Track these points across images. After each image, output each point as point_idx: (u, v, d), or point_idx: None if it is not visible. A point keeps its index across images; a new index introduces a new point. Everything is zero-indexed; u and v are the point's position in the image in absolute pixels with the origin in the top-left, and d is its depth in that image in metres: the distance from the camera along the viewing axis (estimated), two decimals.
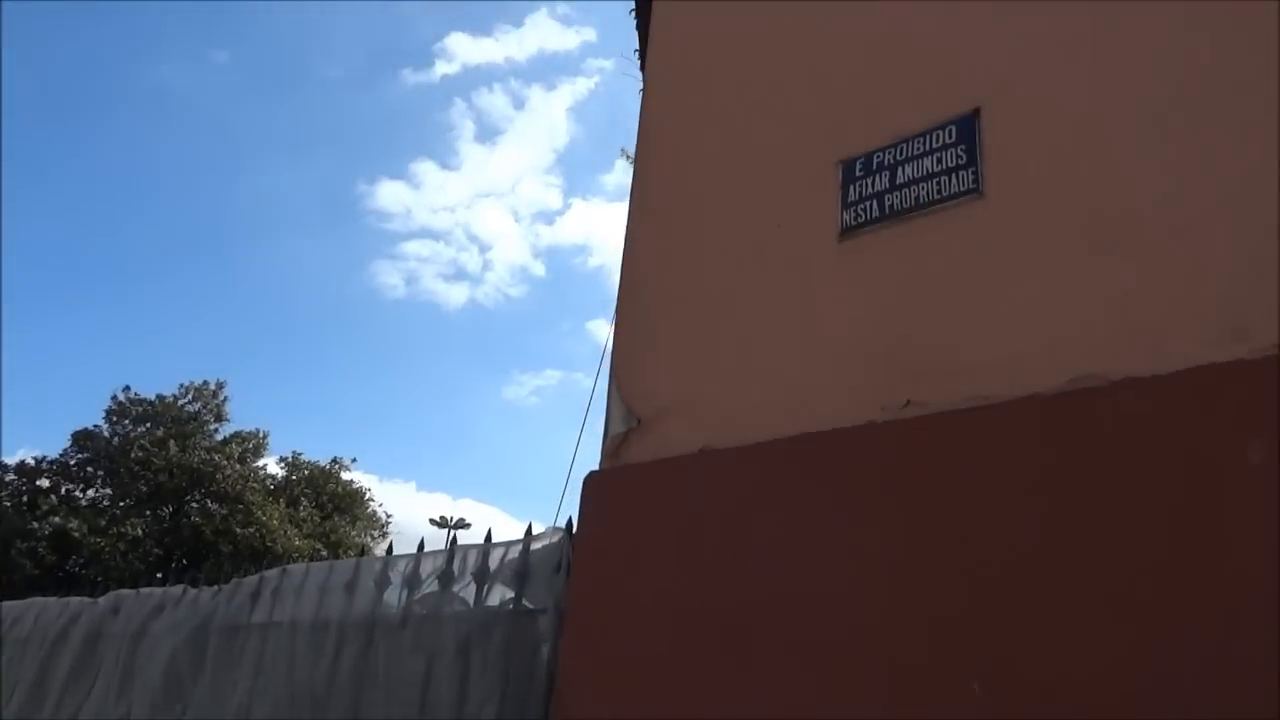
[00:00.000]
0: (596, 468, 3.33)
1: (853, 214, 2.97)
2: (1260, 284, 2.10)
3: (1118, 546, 2.08)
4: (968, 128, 2.79)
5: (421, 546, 3.91)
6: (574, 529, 3.36)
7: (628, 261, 3.71)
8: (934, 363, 2.59)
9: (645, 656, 2.82)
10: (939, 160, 2.81)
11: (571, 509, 3.36)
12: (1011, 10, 2.84)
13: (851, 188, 3.01)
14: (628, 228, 3.80)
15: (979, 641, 2.19)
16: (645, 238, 3.69)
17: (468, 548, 3.74)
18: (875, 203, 2.92)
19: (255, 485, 33.47)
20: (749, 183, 3.38)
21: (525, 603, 3.39)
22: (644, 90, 4.20)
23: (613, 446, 3.31)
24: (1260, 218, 2.14)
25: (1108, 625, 2.02)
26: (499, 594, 3.49)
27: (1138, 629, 1.99)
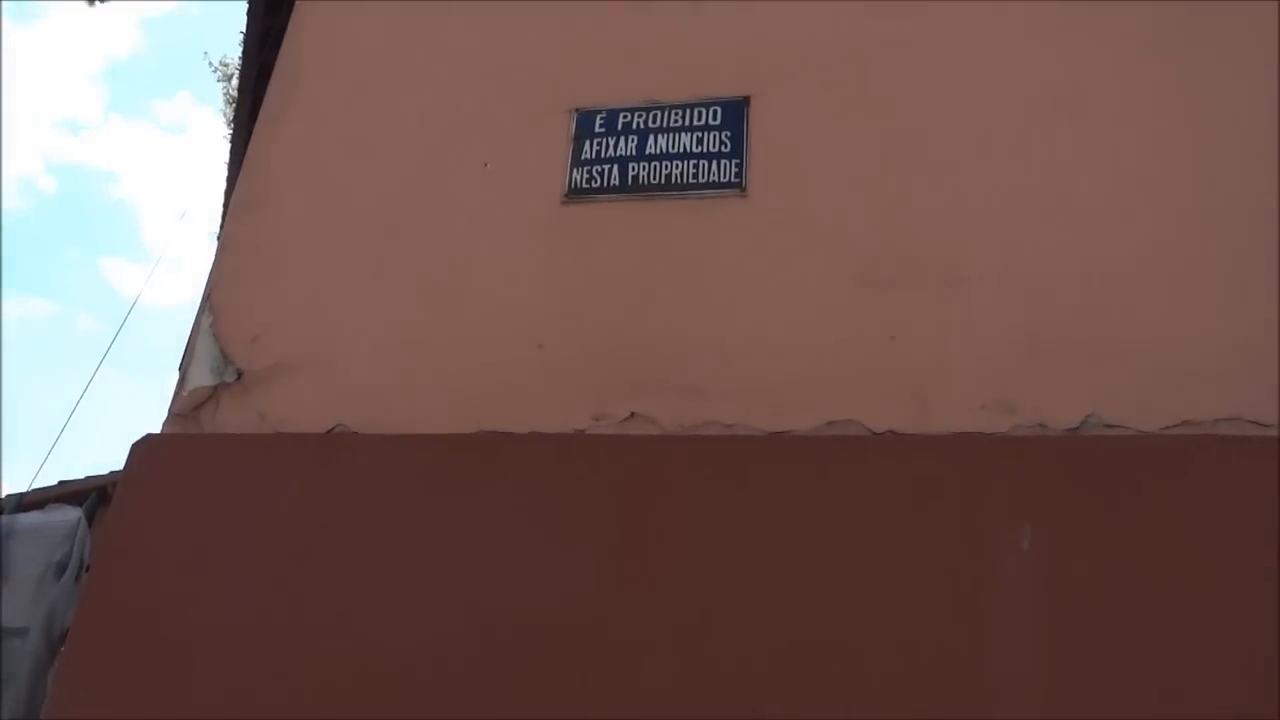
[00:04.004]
0: (158, 430, 2.30)
1: (585, 175, 2.42)
2: (1029, 355, 1.99)
3: (869, 610, 1.78)
4: (735, 115, 2.41)
5: None
6: (96, 514, 2.27)
7: (250, 168, 2.70)
8: (666, 375, 2.13)
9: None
10: (699, 140, 2.39)
11: (53, 475, 2.27)
12: (802, 8, 2.54)
13: (587, 143, 2.46)
14: (259, 126, 2.78)
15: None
16: (281, 142, 2.70)
17: None
18: (616, 168, 2.40)
19: None
20: (444, 105, 2.64)
21: None
22: None
23: (190, 403, 2.30)
24: (1041, 284, 2.05)
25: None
26: None
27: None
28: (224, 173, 6.11)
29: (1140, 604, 1.69)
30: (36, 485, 5.37)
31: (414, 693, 1.85)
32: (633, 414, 2.09)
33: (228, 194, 5.61)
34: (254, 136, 2.76)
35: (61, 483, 5.66)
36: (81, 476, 5.95)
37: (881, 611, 1.77)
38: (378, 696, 1.86)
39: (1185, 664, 1.62)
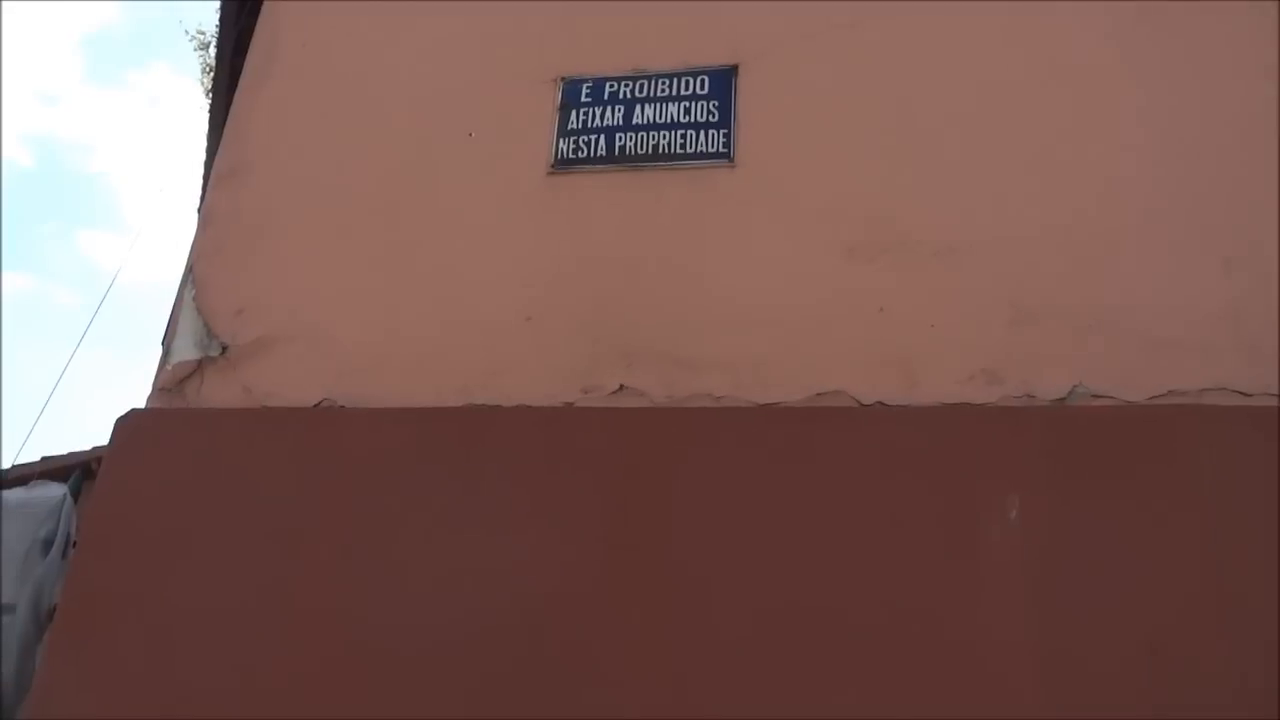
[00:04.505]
0: (140, 405, 2.27)
1: (571, 145, 2.39)
2: (1017, 326, 2.00)
3: (859, 579, 1.80)
4: (723, 83, 2.39)
5: None
6: (82, 491, 2.26)
7: (231, 138, 2.65)
8: (656, 347, 2.12)
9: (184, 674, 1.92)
10: (687, 110, 2.37)
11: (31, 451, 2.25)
12: None
13: (574, 113, 2.43)
14: (239, 95, 2.73)
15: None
16: (262, 112, 2.65)
17: None
18: (603, 139, 2.38)
19: None
20: (427, 74, 2.59)
21: None
22: None
23: (175, 378, 2.28)
24: (1029, 256, 2.05)
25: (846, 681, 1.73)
26: None
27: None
28: (203, 144, 6.00)
29: (1126, 572, 1.71)
30: (17, 462, 5.32)
31: (402, 665, 1.86)
32: (622, 386, 2.09)
33: (207, 165, 5.52)
34: (234, 106, 2.71)
35: (44, 459, 5.62)
36: (64, 452, 5.90)
37: (871, 580, 1.79)
38: (366, 670, 1.86)
39: (1171, 630, 1.65)
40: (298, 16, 2.79)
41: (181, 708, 1.89)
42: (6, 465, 4.70)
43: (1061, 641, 1.68)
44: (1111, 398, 1.90)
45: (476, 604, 1.90)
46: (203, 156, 6.33)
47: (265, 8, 2.84)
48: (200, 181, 6.25)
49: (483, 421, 2.08)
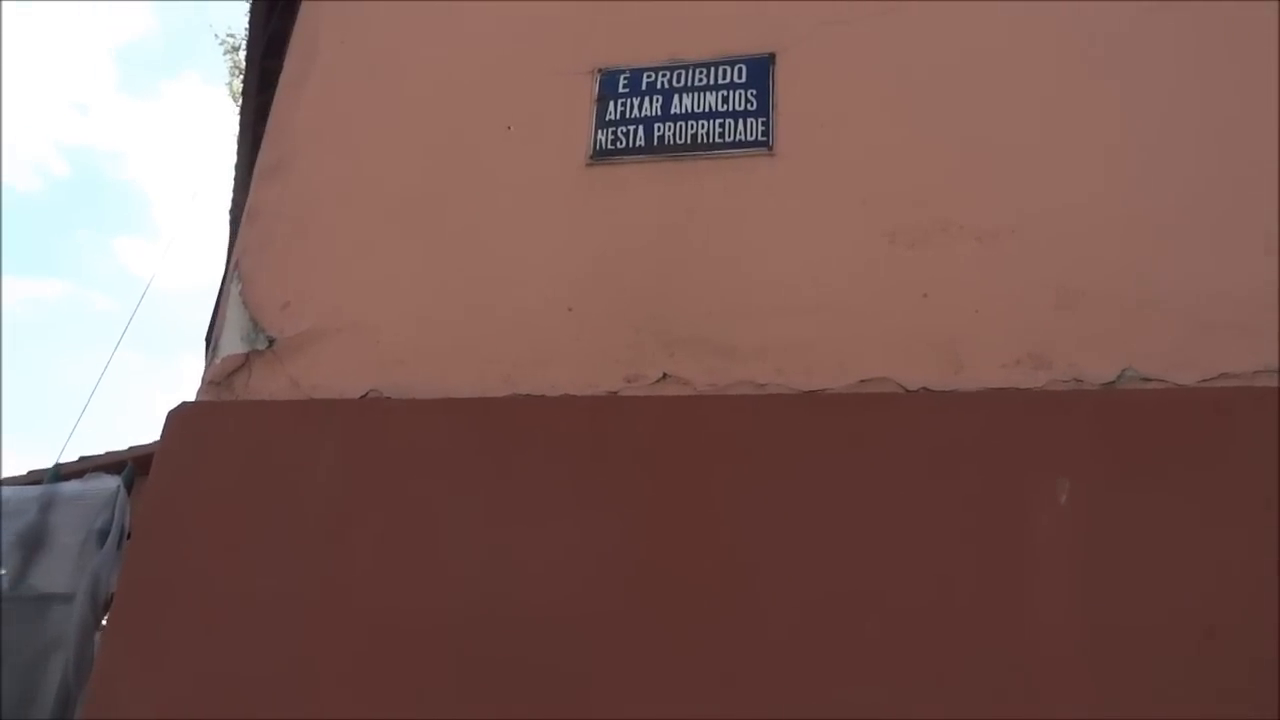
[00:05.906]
0: (191, 399, 2.31)
1: (609, 136, 2.40)
2: (1064, 309, 1.98)
3: (906, 566, 1.80)
4: (761, 72, 2.38)
5: None
6: (134, 481, 2.30)
7: (273, 135, 2.69)
8: (697, 334, 2.13)
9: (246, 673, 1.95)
10: (725, 99, 2.37)
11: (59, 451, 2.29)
12: None
13: (611, 104, 2.44)
14: (280, 93, 2.77)
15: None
16: (304, 108, 2.69)
17: None
18: (641, 129, 2.39)
19: None
20: (466, 69, 2.62)
21: (33, 583, 2.23)
22: None
23: (223, 371, 2.31)
24: (1075, 237, 2.04)
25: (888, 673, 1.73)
26: None
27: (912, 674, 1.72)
28: (233, 148, 6.08)
29: (1179, 555, 1.69)
30: (61, 459, 5.43)
31: (447, 655, 1.88)
32: (665, 375, 2.09)
33: (237, 168, 5.60)
34: (275, 104, 2.74)
35: (82, 458, 5.72)
36: (100, 452, 6.02)
37: (918, 567, 1.78)
38: (411, 660, 1.88)
39: (1222, 616, 1.63)
40: (336, 15, 2.82)
41: (234, 694, 1.92)
42: (50, 465, 4.82)
43: (1114, 625, 1.67)
44: (1161, 380, 1.88)
45: (522, 594, 1.91)
46: (232, 160, 6.40)
47: (304, 7, 2.87)
48: (230, 186, 6.33)
49: (527, 411, 2.10)
